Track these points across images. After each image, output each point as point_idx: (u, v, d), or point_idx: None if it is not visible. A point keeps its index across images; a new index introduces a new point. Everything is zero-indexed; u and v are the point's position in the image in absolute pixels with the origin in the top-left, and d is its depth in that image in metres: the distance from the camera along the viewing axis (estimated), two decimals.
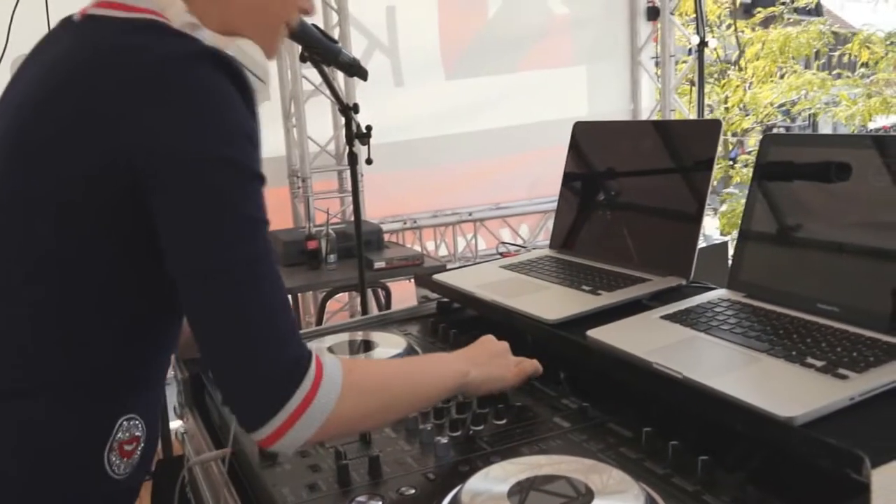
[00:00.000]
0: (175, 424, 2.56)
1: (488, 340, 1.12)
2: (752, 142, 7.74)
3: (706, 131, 1.30)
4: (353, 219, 3.88)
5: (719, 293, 1.18)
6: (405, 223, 4.28)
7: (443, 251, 4.44)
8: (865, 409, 0.80)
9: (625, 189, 1.46)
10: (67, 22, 0.92)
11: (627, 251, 1.39)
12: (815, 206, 1.10)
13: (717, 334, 1.02)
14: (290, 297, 3.03)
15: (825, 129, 11.34)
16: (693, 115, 4.64)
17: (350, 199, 4.00)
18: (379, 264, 3.23)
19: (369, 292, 3.70)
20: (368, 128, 1.66)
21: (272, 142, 3.91)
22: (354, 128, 1.63)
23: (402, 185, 4.28)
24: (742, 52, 7.18)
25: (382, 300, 3.43)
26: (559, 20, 4.51)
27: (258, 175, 0.83)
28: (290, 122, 3.87)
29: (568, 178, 1.58)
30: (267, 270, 0.81)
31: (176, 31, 0.85)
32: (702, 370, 0.92)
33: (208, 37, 0.86)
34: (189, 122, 0.79)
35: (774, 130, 10.19)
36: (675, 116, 4.70)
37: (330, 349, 1.30)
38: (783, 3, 7.42)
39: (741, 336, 1.00)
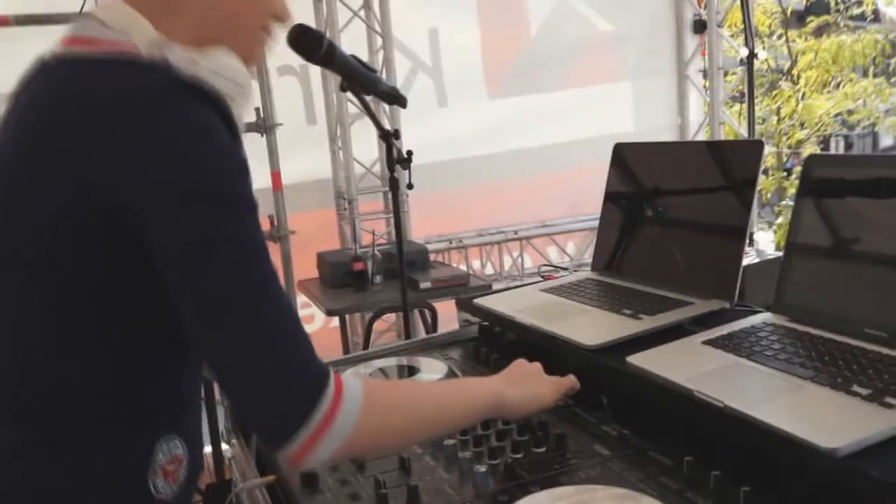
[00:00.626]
0: (226, 447, 2.61)
1: (521, 363, 1.12)
2: (807, 152, 7.57)
3: (748, 152, 1.28)
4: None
5: (763, 317, 1.16)
6: (451, 242, 4.30)
7: (489, 269, 4.44)
8: None
9: (666, 211, 1.45)
10: (42, 62, 0.91)
11: (670, 274, 1.38)
12: (860, 227, 1.08)
13: (760, 360, 1.01)
14: (336, 318, 3.03)
15: (886, 138, 11.03)
16: (743, 128, 4.57)
17: (393, 218, 4.06)
18: (424, 284, 3.25)
19: (416, 313, 3.73)
20: (409, 153, 1.68)
21: (319, 165, 3.98)
22: (395, 153, 1.65)
23: (447, 204, 4.30)
24: (794, 63, 7.04)
25: (429, 320, 3.44)
26: (603, 37, 4.50)
27: (250, 203, 0.83)
28: (335, 146, 3.94)
29: (608, 200, 1.58)
30: (274, 294, 0.82)
31: (146, 64, 0.83)
32: (743, 399, 0.91)
33: (179, 53, 0.84)
34: (177, 159, 0.78)
35: (832, 140, 9.93)
36: (724, 130, 4.63)
37: (371, 376, 1.33)
38: (837, 11, 7.27)
39: (784, 363, 0.98)
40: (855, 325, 1.02)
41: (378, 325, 3.57)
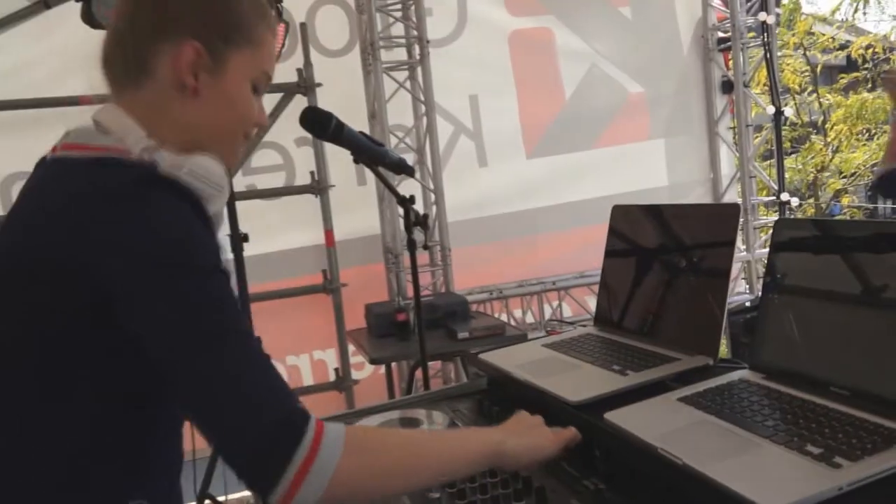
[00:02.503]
0: None
1: (523, 415, 1.10)
2: (846, 200, 7.36)
3: (726, 215, 1.27)
4: (441, 290, 4.00)
5: (741, 374, 1.14)
6: (492, 293, 4.30)
7: (529, 318, 4.41)
8: (854, 498, 0.76)
9: (657, 269, 1.44)
10: (42, 163, 0.96)
11: (660, 330, 1.37)
12: (827, 288, 1.06)
13: (727, 418, 0.99)
14: (382, 366, 3.03)
15: None
16: (774, 181, 4.48)
17: (440, 272, 4.10)
18: (462, 335, 3.26)
19: (457, 361, 3.73)
20: (426, 217, 1.72)
21: (369, 222, 4.06)
22: (413, 217, 1.69)
23: (489, 257, 4.32)
24: (826, 118, 6.89)
25: (468, 369, 3.44)
26: (635, 98, 4.50)
27: (219, 268, 0.86)
28: (383, 205, 4.02)
29: (607, 257, 1.58)
30: (251, 347, 0.84)
31: (132, 162, 0.87)
32: (702, 456, 0.89)
33: (166, 157, 0.88)
34: (152, 235, 0.82)
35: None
36: (755, 184, 4.55)
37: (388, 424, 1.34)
38: (866, 69, 7.12)
39: (749, 420, 0.97)
40: (821, 384, 0.99)
41: (421, 374, 3.57)
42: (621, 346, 1.39)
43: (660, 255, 1.43)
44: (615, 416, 1.07)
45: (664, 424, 1.01)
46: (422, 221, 1.69)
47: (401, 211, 3.94)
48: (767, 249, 1.18)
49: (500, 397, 1.43)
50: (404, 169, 1.61)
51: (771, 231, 1.15)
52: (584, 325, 1.63)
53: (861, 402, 0.92)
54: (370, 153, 1.53)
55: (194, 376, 0.82)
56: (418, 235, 1.73)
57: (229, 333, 0.83)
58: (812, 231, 1.12)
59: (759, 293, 1.12)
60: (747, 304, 4.26)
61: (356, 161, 1.54)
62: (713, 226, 1.29)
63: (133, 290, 0.82)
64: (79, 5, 2.62)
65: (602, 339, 1.47)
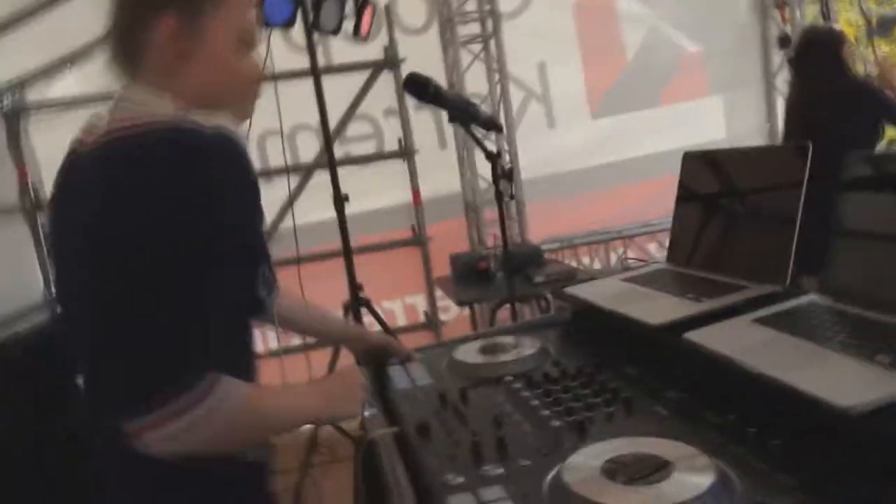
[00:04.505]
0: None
1: (344, 376, 1.17)
2: None
3: (797, 154, 1.25)
4: (518, 241, 4.02)
5: (809, 298, 1.13)
6: (563, 243, 4.29)
7: (597, 265, 4.39)
8: None
9: (727, 208, 1.42)
10: (75, 152, 0.98)
11: (731, 262, 1.36)
12: (890, 217, 1.04)
13: (801, 335, 0.99)
14: (466, 308, 3.10)
15: None
16: None
17: (515, 224, 4.11)
18: (538, 279, 3.28)
19: (533, 302, 3.76)
20: (511, 169, 1.74)
21: (451, 181, 4.10)
22: (500, 170, 1.72)
23: (559, 210, 4.31)
24: (882, 69, 6.42)
25: (543, 308, 3.47)
26: (693, 56, 4.34)
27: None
28: (464, 166, 4.04)
29: (679, 200, 1.56)
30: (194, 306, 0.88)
31: (180, 127, 0.89)
32: (777, 366, 0.90)
33: (198, 117, 0.91)
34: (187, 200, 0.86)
35: None
36: None
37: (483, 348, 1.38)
38: None
39: (821, 336, 0.97)
40: (887, 304, 0.98)
41: (501, 314, 3.63)
42: (694, 278, 1.40)
43: (730, 195, 1.42)
44: (695, 336, 1.08)
45: (740, 342, 1.02)
46: (508, 174, 1.71)
47: (485, 167, 3.93)
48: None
49: (585, 326, 1.46)
50: (494, 125, 1.63)
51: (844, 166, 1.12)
52: (657, 263, 1.63)
53: None
54: (464, 113, 1.56)
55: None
56: (504, 188, 1.75)
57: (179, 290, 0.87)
58: (879, 166, 1.09)
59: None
60: None
61: (451, 120, 1.57)
62: (783, 164, 1.27)
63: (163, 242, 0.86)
64: None
65: (675, 273, 1.47)
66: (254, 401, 0.94)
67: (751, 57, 4.40)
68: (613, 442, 0.91)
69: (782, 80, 4.41)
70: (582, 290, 1.50)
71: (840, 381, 0.83)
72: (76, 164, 0.97)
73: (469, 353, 1.34)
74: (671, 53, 4.31)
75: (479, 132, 1.70)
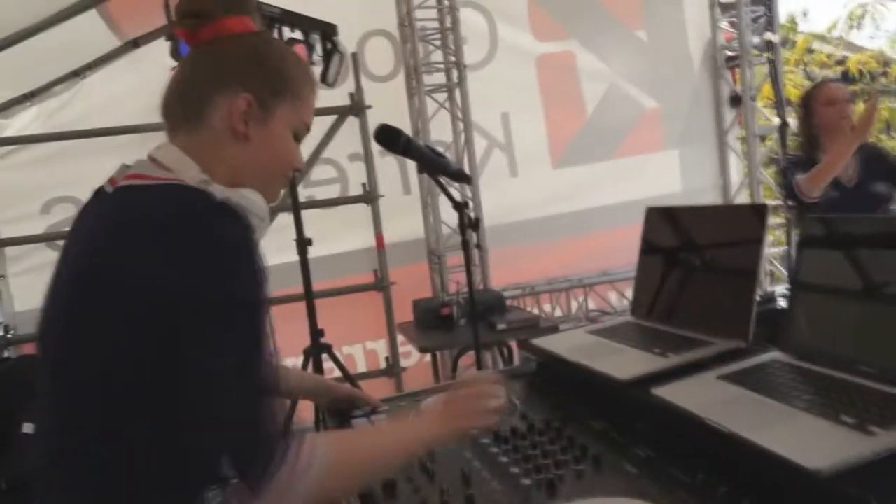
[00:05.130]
0: None
1: (464, 392, 1.10)
2: None
3: (756, 214, 1.29)
4: (480, 287, 4.02)
5: (773, 355, 1.15)
6: (524, 290, 4.32)
7: (558, 312, 4.42)
8: (889, 463, 0.77)
9: (690, 263, 1.45)
10: (100, 192, 0.95)
11: (694, 317, 1.38)
12: (855, 273, 1.07)
13: (766, 393, 1.00)
14: (427, 355, 3.05)
15: None
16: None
17: (478, 270, 4.12)
18: (501, 326, 3.27)
19: (495, 350, 3.75)
20: (477, 220, 1.75)
21: (414, 227, 4.10)
22: (466, 220, 1.72)
23: (521, 257, 4.34)
24: None
25: (505, 356, 3.46)
26: (650, 112, 4.49)
27: (259, 304, 0.85)
28: (427, 211, 4.06)
29: (642, 254, 1.59)
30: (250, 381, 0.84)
31: (192, 188, 0.88)
32: (748, 426, 0.91)
33: (218, 189, 0.88)
34: (208, 265, 0.81)
35: None
36: (762, 190, 4.51)
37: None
38: (863, 82, 6.99)
39: (786, 395, 0.98)
40: (850, 363, 1.00)
41: (464, 361, 3.61)
42: (659, 332, 1.41)
43: (693, 251, 1.45)
44: (662, 392, 1.09)
45: (707, 398, 1.03)
46: (474, 224, 1.72)
47: (448, 215, 3.95)
48: (784, 247, 1.19)
49: (551, 378, 1.46)
50: (463, 177, 1.64)
51: (793, 228, 1.16)
52: (621, 315, 1.65)
53: (889, 379, 0.93)
54: (434, 164, 1.57)
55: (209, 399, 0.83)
56: (470, 237, 1.76)
57: (240, 367, 0.83)
58: (835, 228, 1.13)
59: (774, 285, 1.13)
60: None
61: (420, 171, 1.58)
62: (743, 223, 1.31)
63: (186, 310, 0.81)
64: (166, 44, 2.71)
65: (641, 327, 1.49)
66: (342, 452, 0.93)
67: (704, 114, 4.58)
68: (584, 502, 0.89)
69: (734, 137, 4.60)
70: (548, 343, 1.50)
71: (808, 441, 0.84)
72: (91, 206, 0.96)
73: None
74: (629, 108, 4.46)
75: (445, 181, 1.71)
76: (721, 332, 1.29)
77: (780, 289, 3.90)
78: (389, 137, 1.54)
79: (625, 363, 1.26)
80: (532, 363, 1.60)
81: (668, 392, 1.08)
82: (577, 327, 1.64)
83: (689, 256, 1.46)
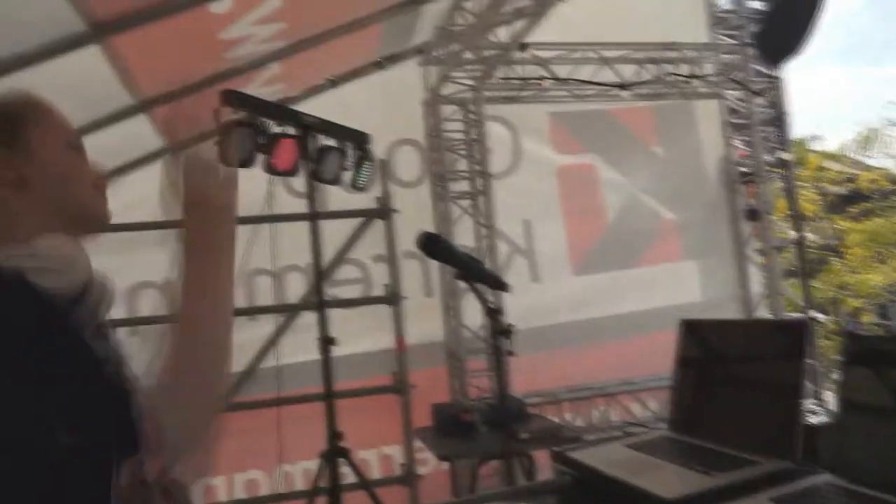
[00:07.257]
0: None
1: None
2: (866, 318, 7.17)
3: (795, 329, 1.28)
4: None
5: (825, 478, 1.12)
6: (546, 398, 4.24)
7: (579, 422, 4.31)
8: None
9: (729, 379, 1.44)
10: None
11: (736, 434, 1.35)
12: None
13: None
14: (444, 462, 2.91)
15: None
16: (801, 300, 4.42)
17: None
18: (524, 435, 3.20)
19: (513, 461, 3.62)
20: (510, 326, 1.75)
21: (435, 329, 4.09)
22: (498, 327, 1.72)
23: (542, 364, 4.28)
24: (841, 242, 6.87)
25: (526, 467, 3.34)
26: (668, 223, 4.58)
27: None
28: (449, 314, 4.06)
29: (679, 367, 1.57)
30: None
31: None
32: None
33: (6, 251, 0.84)
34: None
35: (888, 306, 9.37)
36: (783, 302, 4.50)
37: None
38: (875, 200, 7.14)
39: None
40: None
41: (484, 471, 3.49)
42: (699, 448, 1.37)
43: (732, 366, 1.43)
44: None
45: None
46: (507, 331, 1.72)
47: (471, 317, 3.93)
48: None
49: (589, 494, 1.41)
50: (501, 285, 1.66)
51: (841, 345, 1.16)
52: (659, 429, 1.61)
53: None
54: (473, 271, 1.59)
55: None
56: (502, 344, 1.75)
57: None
58: (882, 346, 1.12)
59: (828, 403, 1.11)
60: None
61: (457, 277, 1.60)
62: (782, 338, 1.30)
63: None
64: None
65: (679, 442, 1.45)
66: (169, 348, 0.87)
67: (721, 227, 4.65)
68: None
69: (751, 248, 4.64)
70: (586, 456, 1.46)
71: None
72: None
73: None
74: (647, 219, 4.55)
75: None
76: (765, 450, 1.25)
77: (808, 403, 3.80)
78: (430, 243, 1.58)
79: (668, 481, 1.23)
80: (567, 476, 1.55)
81: None
82: (606, 439, 1.59)
83: (728, 371, 1.45)
